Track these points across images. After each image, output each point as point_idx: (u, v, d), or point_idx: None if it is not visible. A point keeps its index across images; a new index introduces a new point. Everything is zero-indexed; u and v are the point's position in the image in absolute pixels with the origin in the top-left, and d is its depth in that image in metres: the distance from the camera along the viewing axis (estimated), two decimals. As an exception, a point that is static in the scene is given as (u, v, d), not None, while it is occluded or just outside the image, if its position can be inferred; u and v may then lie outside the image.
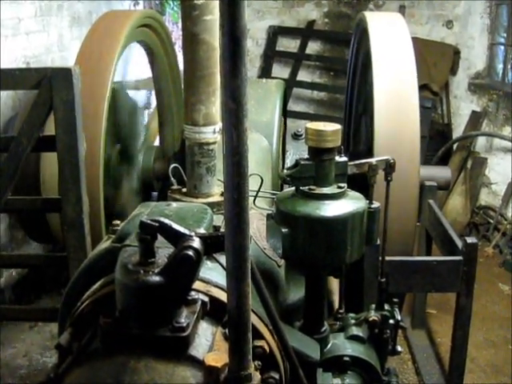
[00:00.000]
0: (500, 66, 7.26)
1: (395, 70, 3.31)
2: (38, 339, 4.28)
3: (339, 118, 5.75)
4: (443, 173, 3.97)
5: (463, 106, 7.58)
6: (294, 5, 8.44)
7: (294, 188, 1.97)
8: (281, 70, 8.48)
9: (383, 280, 2.28)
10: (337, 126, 1.94)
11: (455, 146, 7.18)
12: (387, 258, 2.36)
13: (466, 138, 7.03)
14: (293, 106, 8.07)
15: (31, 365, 4.00)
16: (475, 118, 7.12)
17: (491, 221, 6.55)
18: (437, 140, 7.27)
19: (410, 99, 3.25)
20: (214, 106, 2.11)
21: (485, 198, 6.88)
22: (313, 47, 8.49)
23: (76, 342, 1.50)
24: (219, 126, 2.12)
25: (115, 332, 1.37)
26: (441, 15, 7.99)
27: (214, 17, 2.02)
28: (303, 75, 8.50)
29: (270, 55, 8.52)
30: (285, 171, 2.00)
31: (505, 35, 7.14)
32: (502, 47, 7.21)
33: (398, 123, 3.17)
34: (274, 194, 2.41)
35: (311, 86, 8.52)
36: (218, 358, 1.31)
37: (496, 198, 6.71)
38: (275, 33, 8.46)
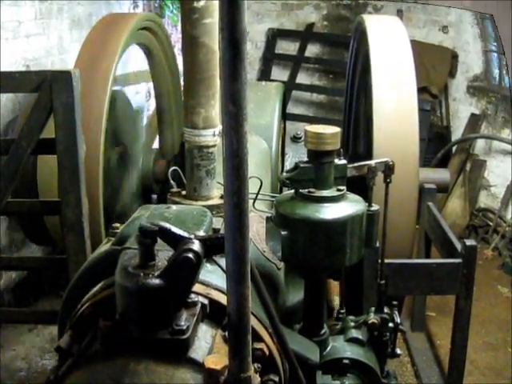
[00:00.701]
0: (496, 71, 7.24)
1: (394, 73, 3.31)
2: (37, 342, 4.27)
3: (338, 121, 5.75)
4: (442, 175, 3.97)
5: (462, 108, 7.58)
6: (293, 7, 8.45)
7: (293, 191, 1.97)
8: (280, 73, 8.48)
9: (382, 282, 2.28)
10: (336, 129, 1.95)
11: (454, 148, 7.19)
12: (386, 261, 2.36)
13: (464, 140, 7.04)
14: (292, 109, 8.06)
15: (31, 367, 3.99)
16: (474, 121, 7.12)
17: (490, 223, 6.55)
18: (436, 142, 7.27)
19: (409, 101, 3.25)
20: (214, 109, 2.12)
21: (484, 200, 6.88)
22: (312, 50, 8.50)
23: (76, 345, 1.51)
24: (219, 128, 2.12)
25: (115, 335, 1.37)
26: (436, 21, 8.00)
27: (213, 20, 2.03)
28: (302, 78, 8.50)
29: (270, 58, 8.52)
30: (284, 174, 2.00)
31: (495, 44, 7.11)
32: (496, 54, 7.18)
33: (397, 126, 3.17)
34: (273, 197, 2.41)
35: (310, 88, 8.52)
36: (218, 360, 1.31)
37: (495, 200, 6.71)
38: (274, 35, 8.47)
